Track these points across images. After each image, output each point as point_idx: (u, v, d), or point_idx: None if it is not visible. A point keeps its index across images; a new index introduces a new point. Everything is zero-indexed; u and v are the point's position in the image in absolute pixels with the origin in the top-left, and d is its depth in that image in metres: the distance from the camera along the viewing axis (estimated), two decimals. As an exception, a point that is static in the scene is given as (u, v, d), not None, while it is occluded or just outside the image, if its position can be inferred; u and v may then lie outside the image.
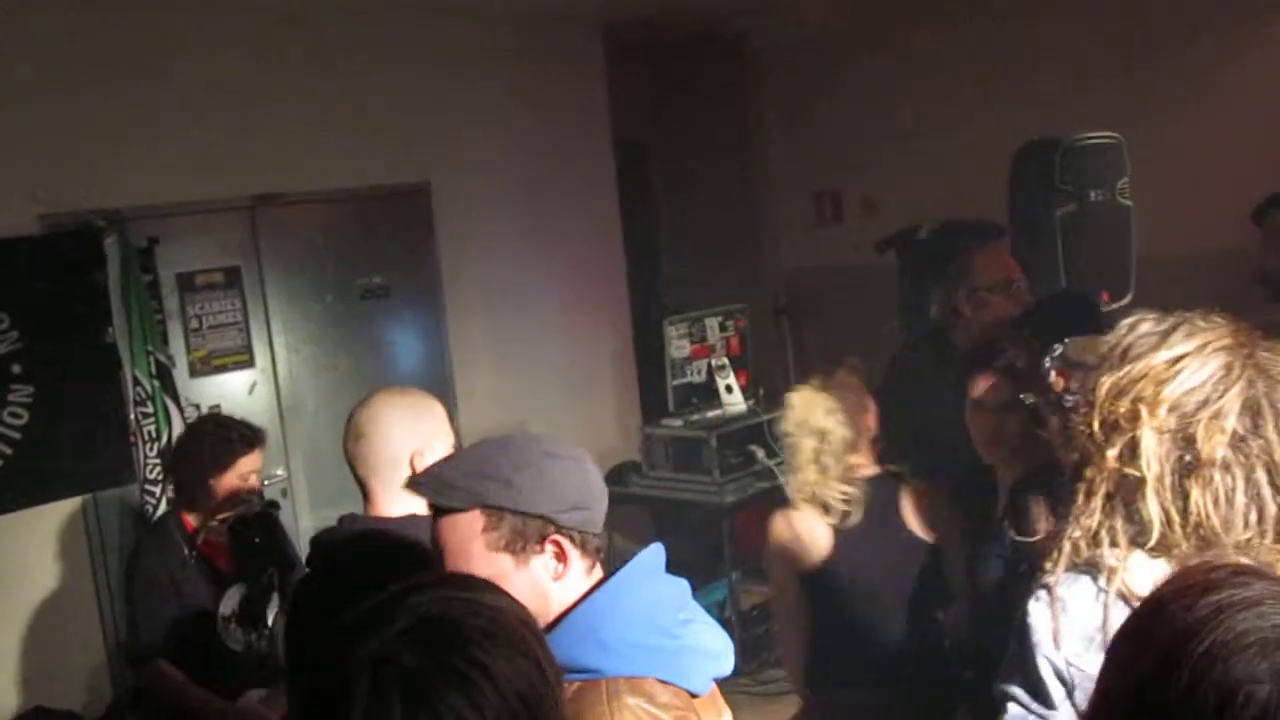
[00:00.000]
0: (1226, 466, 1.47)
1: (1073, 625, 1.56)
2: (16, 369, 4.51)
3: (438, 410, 2.57)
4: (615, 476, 6.13)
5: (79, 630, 4.71)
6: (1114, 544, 1.54)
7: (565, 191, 6.32)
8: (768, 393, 6.27)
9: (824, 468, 3.21)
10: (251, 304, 5.25)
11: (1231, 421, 1.48)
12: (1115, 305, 4.81)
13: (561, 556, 1.72)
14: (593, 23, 6.39)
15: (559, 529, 1.71)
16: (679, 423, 5.88)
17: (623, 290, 6.76)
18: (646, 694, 1.63)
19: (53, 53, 4.57)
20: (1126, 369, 1.55)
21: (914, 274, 5.35)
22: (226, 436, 3.67)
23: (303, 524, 5.15)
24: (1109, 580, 1.53)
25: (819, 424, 3.21)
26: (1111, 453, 1.53)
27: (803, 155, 7.25)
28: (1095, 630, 1.53)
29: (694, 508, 5.77)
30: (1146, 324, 1.60)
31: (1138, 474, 1.51)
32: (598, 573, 1.79)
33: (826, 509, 3.22)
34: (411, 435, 2.48)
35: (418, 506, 2.26)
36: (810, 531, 3.26)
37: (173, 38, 4.85)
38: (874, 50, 6.56)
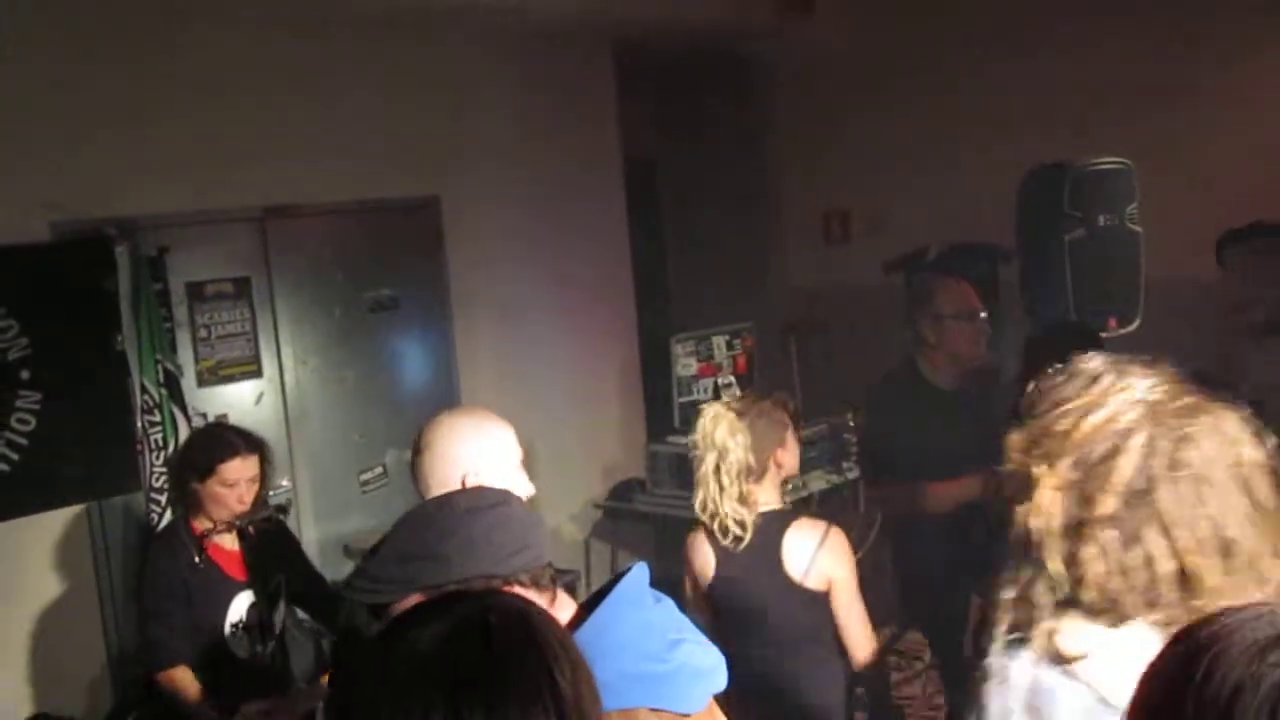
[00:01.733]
0: (1116, 523, 1.43)
1: (1013, 696, 1.53)
2: (25, 375, 4.52)
3: (499, 433, 2.51)
4: (619, 492, 6.13)
5: (81, 637, 4.71)
6: (1039, 606, 1.50)
7: (574, 208, 6.33)
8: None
9: (720, 486, 3.19)
10: (260, 314, 5.27)
11: (1125, 478, 1.44)
12: (1123, 330, 4.82)
13: None
14: (603, 41, 6.41)
15: (504, 580, 1.69)
16: (684, 440, 5.87)
17: (630, 307, 6.77)
18: None
19: (66, 62, 4.60)
20: (1035, 422, 1.53)
21: (921, 295, 5.35)
22: (214, 442, 3.65)
23: (308, 535, 5.16)
24: (1041, 644, 1.50)
25: (721, 441, 3.19)
26: (1021, 508, 1.50)
27: (811, 175, 7.26)
28: (1028, 695, 1.51)
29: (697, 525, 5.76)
30: (1079, 375, 1.56)
31: (1040, 528, 1.48)
32: (564, 600, 1.78)
33: (720, 531, 3.21)
34: (465, 456, 2.42)
35: None
36: (701, 552, 3.28)
37: (186, 49, 4.87)
38: (884, 72, 6.58)
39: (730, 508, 3.19)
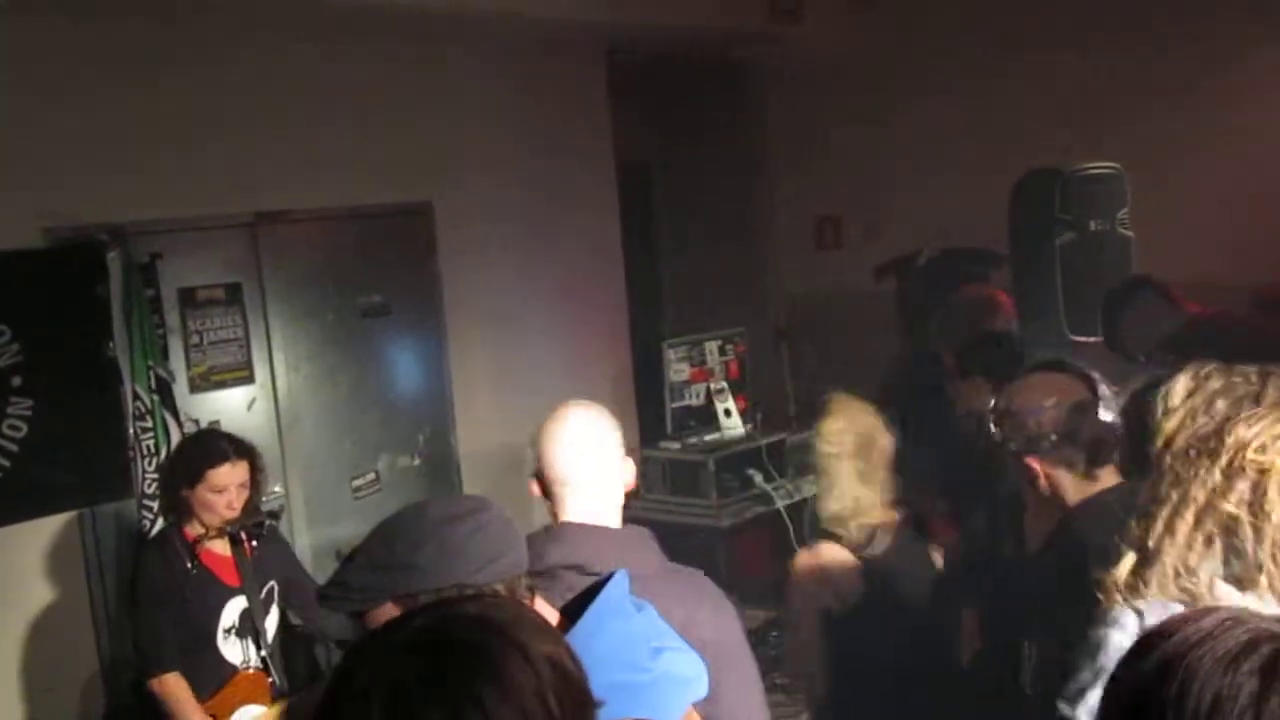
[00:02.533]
0: None
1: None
2: (16, 382, 4.51)
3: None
4: (612, 498, 6.13)
5: (73, 643, 4.70)
6: (1211, 580, 1.60)
7: (567, 213, 6.33)
8: (766, 417, 6.29)
9: (868, 483, 3.04)
10: (252, 320, 5.26)
11: None
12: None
13: None
14: (597, 47, 6.42)
15: (479, 589, 1.67)
16: (677, 446, 5.89)
17: (623, 312, 6.77)
18: None
19: (57, 67, 4.59)
20: (1248, 420, 1.62)
21: (913, 300, 5.38)
22: (203, 449, 3.66)
23: (300, 541, 5.15)
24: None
25: (869, 433, 3.05)
26: (1233, 497, 1.58)
27: (804, 181, 7.27)
28: None
29: (691, 531, 5.76)
30: (1219, 378, 1.70)
31: (1260, 521, 1.57)
32: (544, 608, 1.76)
33: (856, 535, 3.06)
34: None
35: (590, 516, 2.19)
36: (840, 563, 3.08)
37: (178, 54, 4.87)
38: (876, 77, 6.59)
39: (876, 508, 3.07)
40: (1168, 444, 1.68)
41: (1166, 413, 1.70)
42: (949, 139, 6.14)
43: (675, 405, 5.96)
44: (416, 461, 5.77)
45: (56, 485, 4.60)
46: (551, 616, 1.77)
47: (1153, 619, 1.60)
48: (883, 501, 3.08)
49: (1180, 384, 1.72)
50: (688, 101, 7.32)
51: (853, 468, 3.06)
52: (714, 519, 5.66)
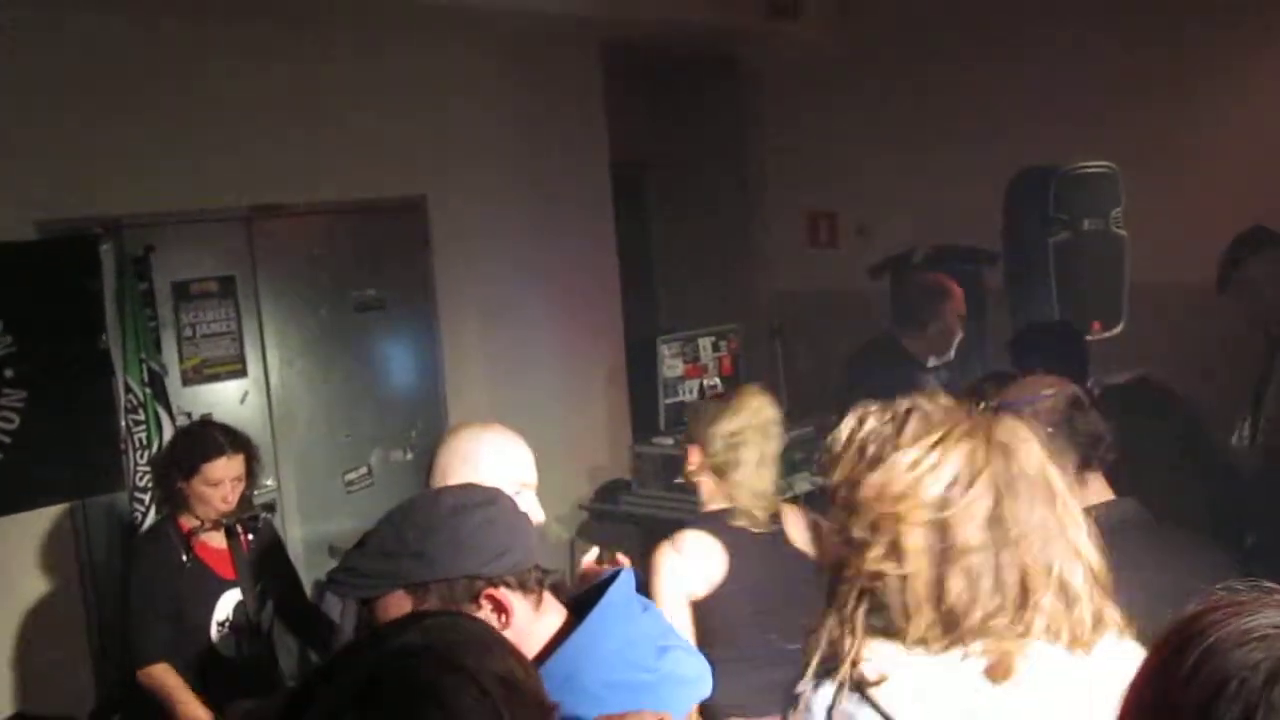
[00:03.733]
0: (980, 550, 1.49)
1: None
2: (9, 373, 4.50)
3: (510, 453, 2.53)
4: (605, 494, 6.13)
5: (65, 636, 4.70)
6: (853, 634, 1.52)
7: (561, 209, 6.33)
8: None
9: (768, 470, 3.16)
10: (245, 314, 5.26)
11: (984, 506, 1.49)
12: (1107, 334, 4.85)
13: (500, 607, 1.67)
14: (592, 42, 6.41)
15: (489, 582, 1.67)
16: (670, 441, 5.88)
17: (617, 308, 6.77)
18: None
19: (51, 61, 4.58)
20: (879, 469, 1.54)
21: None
22: (200, 441, 3.64)
23: (292, 535, 5.15)
24: (846, 670, 1.51)
25: (767, 425, 3.16)
26: (873, 553, 1.51)
27: (798, 178, 7.27)
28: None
29: (684, 526, 5.76)
30: (873, 419, 1.60)
31: (900, 571, 1.50)
32: (552, 603, 1.76)
33: (754, 516, 3.16)
34: (467, 474, 2.39)
35: None
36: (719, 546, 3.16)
37: (172, 47, 4.86)
38: (871, 75, 6.59)
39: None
40: (833, 495, 1.61)
41: (831, 461, 1.62)
42: (943, 137, 6.14)
43: (669, 401, 5.95)
44: (409, 456, 5.77)
45: (48, 478, 4.60)
46: (559, 614, 1.76)
47: (810, 696, 1.55)
48: (776, 489, 3.19)
49: (843, 428, 1.63)
50: (683, 97, 7.32)
51: (755, 456, 3.14)
52: (707, 515, 5.65)
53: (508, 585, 1.68)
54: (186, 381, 5.06)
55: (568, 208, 6.38)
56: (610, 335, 6.73)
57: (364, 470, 5.61)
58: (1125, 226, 4.92)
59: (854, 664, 1.50)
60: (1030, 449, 1.55)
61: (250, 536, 3.69)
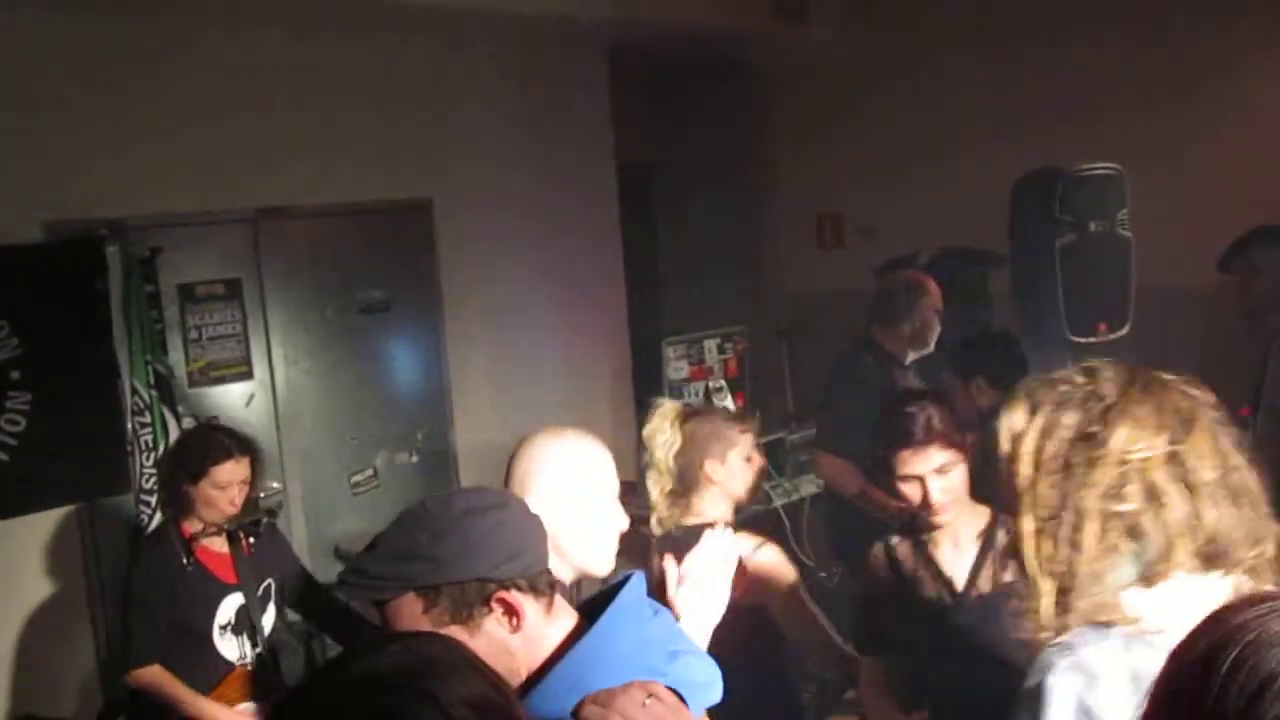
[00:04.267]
0: (1215, 482, 1.60)
1: (1105, 688, 1.54)
2: (15, 375, 4.51)
3: (593, 459, 2.56)
4: (611, 496, 6.13)
5: (71, 638, 4.70)
6: (1121, 586, 1.59)
7: (567, 210, 6.33)
8: (765, 416, 6.27)
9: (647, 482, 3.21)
10: (251, 316, 5.26)
11: (1206, 440, 1.62)
12: (1113, 336, 4.84)
13: (511, 610, 1.66)
14: (599, 44, 6.42)
15: (500, 585, 1.65)
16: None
17: (622, 310, 6.77)
18: None
19: (57, 61, 4.59)
20: (1118, 424, 1.63)
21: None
22: (207, 444, 3.63)
23: (298, 537, 5.14)
24: (1133, 627, 1.56)
25: (647, 436, 3.22)
26: (1128, 497, 1.60)
27: (805, 179, 7.27)
28: (1131, 681, 1.52)
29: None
30: (1052, 391, 1.71)
31: (1159, 512, 1.58)
32: (563, 607, 1.74)
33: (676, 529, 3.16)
34: (544, 480, 2.46)
35: None
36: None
37: (179, 49, 4.86)
38: (878, 77, 6.59)
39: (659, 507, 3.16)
40: (1037, 465, 1.67)
41: (1017, 437, 1.69)
42: (950, 139, 6.13)
43: (674, 403, 5.95)
44: (415, 458, 5.77)
45: (55, 480, 4.60)
46: (570, 617, 1.75)
47: (1085, 652, 1.56)
48: (669, 505, 3.20)
49: (1018, 404, 1.72)
50: (688, 99, 7.32)
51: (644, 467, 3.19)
52: (712, 517, 5.64)
53: (519, 588, 1.66)
54: (193, 384, 5.07)
55: (574, 209, 6.38)
56: (615, 337, 6.73)
57: (370, 472, 5.61)
58: (1131, 228, 4.91)
59: (1124, 619, 1.58)
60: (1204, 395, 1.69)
61: (251, 540, 3.68)
